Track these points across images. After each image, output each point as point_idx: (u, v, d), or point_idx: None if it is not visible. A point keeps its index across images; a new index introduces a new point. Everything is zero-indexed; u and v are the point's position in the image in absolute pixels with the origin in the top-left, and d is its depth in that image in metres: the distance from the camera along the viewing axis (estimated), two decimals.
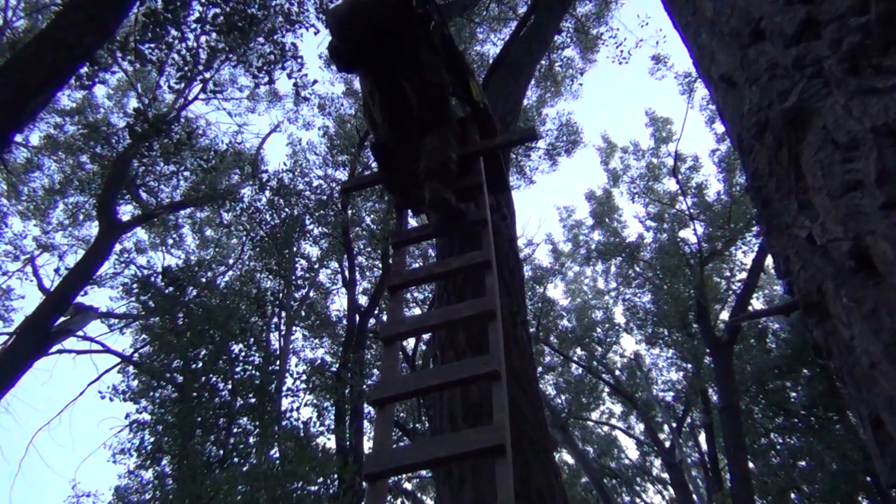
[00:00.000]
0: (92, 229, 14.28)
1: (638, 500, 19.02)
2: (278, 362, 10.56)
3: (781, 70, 1.15)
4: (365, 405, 10.16)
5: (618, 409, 19.39)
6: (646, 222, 16.68)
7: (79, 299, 11.56)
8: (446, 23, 3.39)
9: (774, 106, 1.14)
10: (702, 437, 15.69)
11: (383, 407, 2.29)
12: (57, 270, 12.63)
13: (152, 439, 8.81)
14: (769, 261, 10.47)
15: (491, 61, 7.99)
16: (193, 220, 15.28)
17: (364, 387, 9.84)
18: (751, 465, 11.83)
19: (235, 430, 9.09)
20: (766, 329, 13.73)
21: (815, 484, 11.32)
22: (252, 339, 9.85)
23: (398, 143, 3.22)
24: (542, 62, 12.70)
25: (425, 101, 3.09)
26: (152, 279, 10.75)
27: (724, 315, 14.91)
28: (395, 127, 3.19)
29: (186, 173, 13.06)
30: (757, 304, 16.09)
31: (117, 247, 12.72)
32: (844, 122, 0.97)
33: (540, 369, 15.95)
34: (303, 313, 12.69)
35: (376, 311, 11.83)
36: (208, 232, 15.51)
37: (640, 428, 18.74)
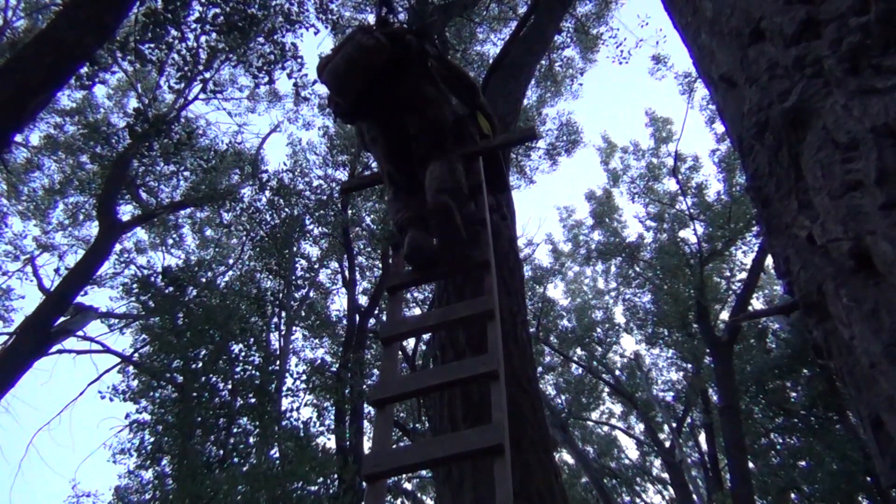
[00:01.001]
0: (92, 229, 14.30)
1: (638, 500, 19.03)
2: (278, 362, 10.56)
3: (781, 70, 1.15)
4: (365, 405, 10.16)
5: (618, 409, 19.42)
6: (646, 222, 16.69)
7: (79, 299, 11.57)
8: (444, 53, 3.36)
9: (774, 106, 1.14)
10: (702, 437, 15.69)
11: (383, 407, 2.29)
12: (57, 270, 12.64)
13: (152, 439, 8.81)
14: (769, 261, 10.46)
15: (491, 61, 7.98)
16: (193, 220, 15.27)
17: (364, 387, 9.83)
18: (751, 465, 11.83)
19: (235, 430, 9.09)
20: (766, 329, 13.72)
21: (815, 484, 11.30)
22: (252, 339, 9.85)
23: (401, 173, 3.18)
24: (542, 62, 12.69)
25: (428, 134, 3.06)
26: (152, 279, 10.75)
27: (724, 315, 14.91)
28: (395, 157, 3.16)
29: (186, 173, 13.05)
30: (757, 304, 16.11)
31: (117, 247, 12.74)
32: (844, 122, 0.97)
33: (540, 369, 15.94)
34: (303, 313, 12.68)
35: (376, 311, 11.83)
36: (208, 232, 15.51)
37: (640, 428, 18.76)
